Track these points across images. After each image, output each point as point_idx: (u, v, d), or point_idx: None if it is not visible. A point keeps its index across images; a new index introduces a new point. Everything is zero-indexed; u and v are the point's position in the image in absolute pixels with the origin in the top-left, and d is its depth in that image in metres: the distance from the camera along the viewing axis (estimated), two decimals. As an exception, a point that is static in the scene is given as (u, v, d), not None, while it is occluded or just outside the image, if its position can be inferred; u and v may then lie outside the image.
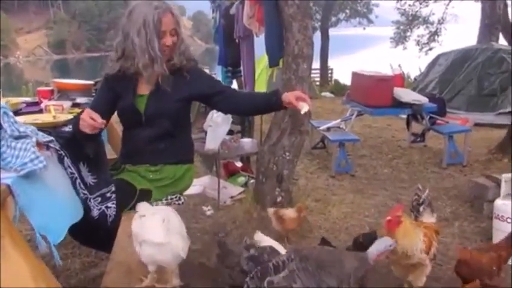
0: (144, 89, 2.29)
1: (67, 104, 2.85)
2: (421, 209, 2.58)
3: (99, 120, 2.02)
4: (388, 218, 2.33)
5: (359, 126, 7.15)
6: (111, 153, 2.74)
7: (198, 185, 4.59)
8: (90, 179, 2.24)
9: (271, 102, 2.31)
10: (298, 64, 3.68)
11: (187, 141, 2.45)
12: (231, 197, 4.22)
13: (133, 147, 2.33)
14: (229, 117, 3.93)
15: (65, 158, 2.05)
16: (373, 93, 5.29)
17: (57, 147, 1.99)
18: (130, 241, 1.63)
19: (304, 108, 2.22)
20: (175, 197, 2.34)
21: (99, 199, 2.17)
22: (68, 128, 2.31)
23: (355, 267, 1.93)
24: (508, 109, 7.34)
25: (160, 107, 2.26)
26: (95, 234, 2.12)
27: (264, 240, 2.49)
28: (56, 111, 2.61)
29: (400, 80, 5.77)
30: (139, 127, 2.29)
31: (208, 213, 3.93)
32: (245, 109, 2.49)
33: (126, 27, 2.19)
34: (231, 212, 3.90)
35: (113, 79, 2.31)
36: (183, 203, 2.36)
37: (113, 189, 2.18)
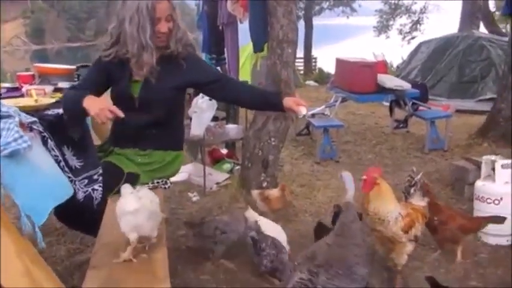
0: (140, 75, 2.27)
1: (49, 88, 2.80)
2: (411, 190, 2.63)
3: (120, 114, 2.00)
4: (364, 177, 2.38)
5: (343, 113, 7.21)
6: (95, 140, 2.73)
7: (183, 172, 4.57)
8: (75, 162, 2.22)
9: (271, 103, 2.33)
10: (283, 49, 3.68)
11: (178, 128, 2.45)
12: (217, 183, 4.23)
13: (124, 131, 2.32)
14: (214, 103, 3.92)
15: (49, 140, 2.03)
16: (357, 80, 5.33)
17: (41, 129, 1.97)
18: (116, 223, 1.62)
19: (302, 111, 2.25)
20: (162, 181, 2.34)
21: (86, 181, 2.16)
22: (51, 112, 2.28)
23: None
24: (488, 96, 7.47)
25: (155, 93, 2.25)
26: (80, 216, 2.11)
27: (254, 216, 2.58)
28: (38, 96, 2.57)
29: (383, 66, 5.82)
30: (132, 112, 2.27)
31: (194, 199, 3.93)
32: (243, 101, 2.48)
33: (121, 12, 2.16)
34: (216, 198, 3.90)
35: (108, 62, 2.28)
36: (169, 187, 2.36)
37: (100, 171, 2.17)
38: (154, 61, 2.18)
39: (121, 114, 2.00)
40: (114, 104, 2.28)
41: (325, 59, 14.87)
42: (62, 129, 2.16)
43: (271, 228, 2.66)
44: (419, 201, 2.61)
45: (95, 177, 2.17)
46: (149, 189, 2.12)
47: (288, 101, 2.26)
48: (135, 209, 1.53)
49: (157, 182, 2.32)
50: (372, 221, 2.43)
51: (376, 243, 2.77)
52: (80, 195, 2.12)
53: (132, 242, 1.50)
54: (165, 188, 2.34)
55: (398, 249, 2.47)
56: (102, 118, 1.97)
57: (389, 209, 2.39)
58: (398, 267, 2.49)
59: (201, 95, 3.86)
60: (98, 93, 2.24)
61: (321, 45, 21.42)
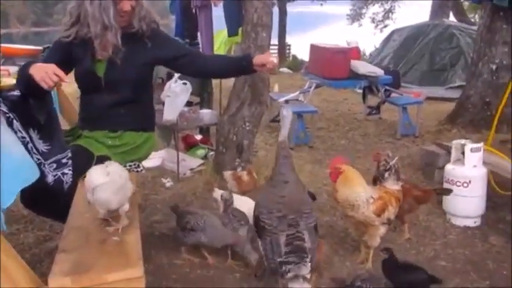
0: (104, 55, 2.20)
1: (14, 69, 2.69)
2: (386, 175, 2.65)
3: (65, 78, 1.92)
4: (328, 170, 2.47)
5: (317, 100, 7.24)
6: (64, 125, 2.64)
7: (156, 157, 4.51)
8: (42, 146, 2.14)
9: (241, 66, 2.30)
10: (257, 33, 3.64)
11: (149, 108, 2.39)
12: (191, 169, 4.18)
13: (92, 113, 2.25)
14: (188, 86, 3.85)
15: (14, 121, 1.95)
16: (331, 65, 5.35)
17: (5, 110, 1.88)
18: (87, 206, 1.58)
19: (274, 61, 2.26)
20: (134, 165, 2.29)
21: (54, 165, 2.09)
22: (16, 92, 2.18)
23: None
24: (457, 83, 7.65)
25: (121, 72, 2.18)
26: (50, 201, 2.04)
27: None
28: (2, 76, 2.46)
29: (357, 53, 5.87)
30: (99, 92, 2.21)
31: (168, 185, 3.88)
32: (213, 72, 2.45)
33: None
34: (191, 184, 3.86)
35: (69, 43, 2.20)
36: (142, 170, 2.31)
37: (69, 155, 2.10)
38: (119, 41, 2.12)
39: (65, 79, 1.93)
40: (79, 86, 2.21)
41: (299, 46, 14.89)
42: (27, 110, 2.07)
43: (242, 203, 2.66)
44: (393, 185, 2.63)
45: (64, 161, 2.10)
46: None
47: (257, 59, 2.26)
48: (102, 183, 1.49)
49: (130, 166, 2.26)
50: (343, 208, 2.48)
51: (350, 227, 2.81)
52: (50, 179, 2.05)
53: (104, 215, 1.47)
54: (137, 171, 2.29)
55: (372, 232, 2.51)
56: (48, 82, 1.88)
57: (358, 193, 2.43)
58: (371, 248, 2.53)
59: (174, 79, 3.79)
60: None
61: (295, 32, 21.41)
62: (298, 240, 2.01)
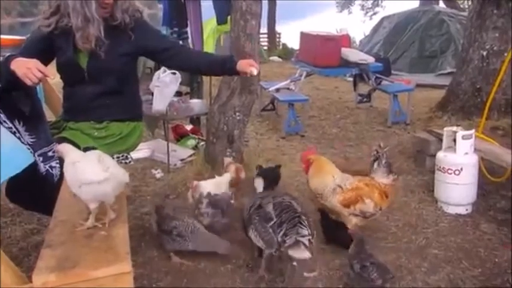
0: (86, 48, 2.13)
1: (-3, 60, 2.60)
2: (374, 165, 2.60)
3: (49, 74, 1.86)
4: (302, 164, 2.55)
5: (308, 89, 7.21)
6: (49, 116, 2.58)
7: (146, 148, 4.46)
8: (27, 138, 2.07)
9: (225, 67, 2.30)
10: (246, 21, 3.58)
11: (134, 98, 2.34)
12: (181, 160, 4.13)
13: (76, 104, 2.20)
14: (178, 76, 3.78)
15: (-1, 113, 1.89)
16: (321, 53, 5.30)
17: (-12, 102, 1.82)
18: (74, 200, 1.53)
19: (254, 71, 2.28)
20: (122, 156, 2.24)
21: (41, 158, 2.03)
22: (-1, 84, 2.11)
23: None
24: (448, 70, 7.64)
25: (104, 63, 2.13)
26: (39, 194, 1.99)
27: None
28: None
29: (347, 40, 5.81)
30: (82, 83, 2.16)
31: (158, 176, 3.84)
32: (196, 68, 2.44)
33: None
34: (181, 174, 3.82)
35: (50, 32, 2.14)
36: (130, 162, 2.26)
37: (54, 148, 2.04)
38: (102, 33, 2.06)
39: (49, 75, 1.87)
40: (61, 77, 2.16)
41: (289, 35, 14.79)
42: (11, 102, 2.01)
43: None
44: (382, 178, 2.57)
45: (50, 154, 2.04)
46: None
47: (241, 65, 2.27)
48: (101, 179, 1.44)
49: (117, 157, 2.22)
50: (314, 196, 2.53)
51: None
52: (43, 169, 2.01)
53: (94, 210, 1.43)
54: (125, 163, 2.25)
55: (344, 220, 2.52)
56: (31, 78, 1.82)
57: (326, 182, 2.45)
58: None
59: (162, 68, 3.72)
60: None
61: (284, 21, 21.27)
62: (287, 205, 2.05)
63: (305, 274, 2.23)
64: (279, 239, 1.92)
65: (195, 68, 2.58)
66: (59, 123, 2.26)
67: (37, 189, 2.01)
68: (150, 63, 4.16)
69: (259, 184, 2.96)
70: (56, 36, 2.12)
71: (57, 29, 2.10)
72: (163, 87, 3.74)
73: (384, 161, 2.59)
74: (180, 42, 6.29)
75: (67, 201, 1.63)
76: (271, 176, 3.21)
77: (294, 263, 2.11)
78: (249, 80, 3.71)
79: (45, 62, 2.15)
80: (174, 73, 3.76)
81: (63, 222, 1.50)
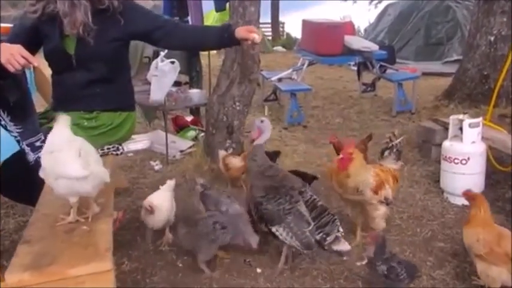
0: (73, 33, 2.03)
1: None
2: (385, 153, 2.55)
3: (33, 61, 1.77)
4: (341, 156, 2.28)
5: (311, 78, 7.08)
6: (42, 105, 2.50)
7: (145, 140, 4.38)
8: (13, 129, 2.00)
9: (223, 39, 2.14)
10: (245, 7, 3.47)
11: (126, 87, 2.24)
12: (181, 151, 4.05)
13: (65, 93, 2.11)
14: (176, 65, 3.68)
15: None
16: (324, 41, 5.17)
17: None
18: (55, 196, 1.45)
19: (256, 37, 2.08)
20: (113, 147, 2.15)
21: (29, 148, 1.96)
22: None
23: None
24: (454, 58, 7.47)
25: (92, 49, 2.03)
26: (30, 186, 1.91)
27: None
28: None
29: (351, 28, 5.67)
30: (71, 71, 2.07)
31: (157, 168, 3.76)
32: (193, 44, 2.28)
33: None
34: (180, 166, 3.74)
35: (36, 18, 2.05)
36: (121, 153, 2.17)
37: (42, 138, 1.97)
38: (89, 18, 1.96)
39: (34, 62, 1.78)
40: (49, 64, 2.06)
41: (293, 24, 14.62)
42: (-4, 91, 1.93)
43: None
44: (391, 164, 2.53)
45: (37, 144, 1.97)
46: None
47: (240, 32, 2.11)
48: (80, 176, 1.36)
49: (108, 148, 2.13)
50: (346, 191, 2.35)
51: (347, 210, 2.70)
52: (31, 158, 1.93)
53: (74, 204, 1.34)
54: (117, 154, 2.16)
55: (372, 213, 2.39)
56: (14, 64, 1.73)
57: (366, 178, 2.32)
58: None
59: (160, 57, 3.62)
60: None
61: (288, 10, 21.02)
62: (315, 203, 2.13)
63: (357, 263, 2.26)
64: (318, 238, 2.04)
65: (191, 45, 2.41)
66: (49, 113, 2.17)
67: (28, 181, 1.93)
68: (148, 53, 4.07)
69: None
70: (42, 23, 2.04)
71: (43, 15, 2.01)
72: (162, 76, 3.64)
73: (395, 149, 2.54)
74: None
75: (51, 195, 1.55)
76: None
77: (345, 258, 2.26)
78: (248, 69, 3.61)
79: (33, 50, 2.06)
80: (173, 62, 3.66)
81: (45, 216, 1.42)
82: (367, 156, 2.88)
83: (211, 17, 8.50)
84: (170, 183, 2.43)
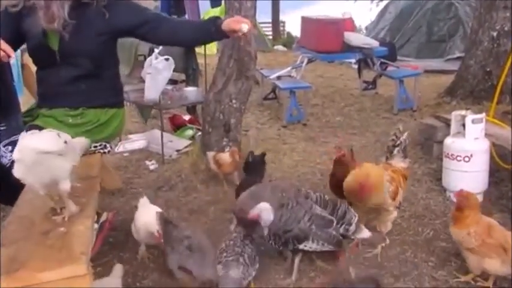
0: (52, 28, 1.96)
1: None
2: (395, 151, 2.44)
3: (11, 53, 1.70)
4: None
5: (311, 77, 6.99)
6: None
7: (142, 139, 4.31)
8: (-4, 126, 1.93)
9: (210, 32, 2.04)
10: (241, 3, 3.39)
11: (113, 83, 2.16)
12: (177, 151, 3.97)
13: (50, 89, 2.04)
14: (171, 62, 3.59)
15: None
16: (323, 38, 5.08)
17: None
18: (36, 195, 1.36)
19: (244, 28, 1.97)
20: (100, 145, 2.07)
21: (10, 147, 1.88)
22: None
23: None
24: (456, 55, 7.36)
25: (76, 44, 1.96)
26: (10, 187, 1.84)
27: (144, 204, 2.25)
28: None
29: (351, 24, 5.57)
30: (55, 67, 1.99)
31: (152, 167, 3.68)
32: (181, 39, 2.17)
33: None
34: (176, 166, 3.67)
35: (18, 13, 1.98)
36: (109, 151, 2.09)
37: None
38: (66, 13, 1.88)
39: (11, 54, 1.71)
40: (33, 61, 1.99)
41: (294, 23, 14.53)
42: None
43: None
44: (399, 163, 2.43)
45: (19, 142, 1.88)
46: (84, 154, 1.88)
47: (228, 23, 2.01)
48: (59, 149, 1.27)
49: (95, 147, 2.04)
50: (365, 205, 2.22)
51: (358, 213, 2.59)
52: (5, 160, 1.84)
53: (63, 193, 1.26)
54: (104, 152, 2.07)
55: (384, 217, 2.29)
56: None
57: (385, 191, 2.19)
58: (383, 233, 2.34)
59: (154, 54, 3.54)
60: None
61: (289, 9, 20.92)
62: (324, 197, 2.08)
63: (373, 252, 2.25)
64: (342, 232, 2.01)
65: (179, 39, 2.27)
66: (33, 111, 2.09)
67: (7, 182, 1.85)
68: (143, 50, 3.99)
69: None
70: (25, 17, 1.97)
71: (25, 9, 1.94)
72: (156, 74, 3.56)
73: (403, 146, 2.45)
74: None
75: (30, 196, 1.47)
76: (256, 165, 2.97)
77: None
78: (245, 66, 3.53)
79: (15, 45, 1.99)
80: (167, 59, 3.58)
81: (21, 219, 1.34)
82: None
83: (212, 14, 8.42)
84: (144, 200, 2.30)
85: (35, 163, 1.23)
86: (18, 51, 2.83)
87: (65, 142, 1.35)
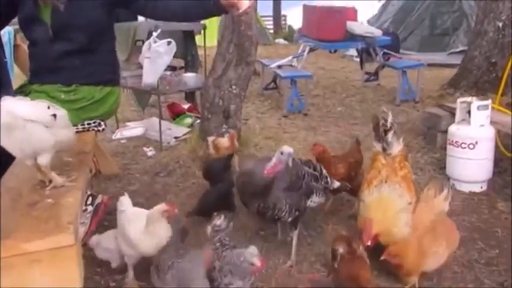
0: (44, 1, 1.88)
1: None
2: (389, 137, 2.14)
3: None
4: (367, 244, 1.87)
5: (312, 68, 6.91)
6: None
7: (139, 127, 4.24)
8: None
9: (208, 5, 1.94)
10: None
11: (108, 59, 2.07)
12: (175, 138, 3.91)
13: (42, 64, 1.95)
14: (173, 46, 3.49)
15: None
16: (325, 26, 4.99)
17: None
18: (25, 168, 1.30)
19: (244, 4, 1.86)
20: (94, 123, 1.99)
21: None
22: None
23: None
24: (460, 48, 7.28)
25: (69, 17, 1.87)
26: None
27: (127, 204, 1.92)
28: None
29: (353, 14, 5.49)
30: (47, 41, 1.90)
31: (150, 153, 3.61)
32: (179, 13, 2.05)
33: None
34: (174, 152, 3.60)
35: None
36: (103, 129, 2.01)
37: None
38: None
39: None
40: (25, 34, 1.91)
41: (295, 17, 14.42)
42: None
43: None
44: (398, 147, 2.18)
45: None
46: (78, 131, 1.81)
47: None
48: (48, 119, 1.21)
49: (89, 124, 1.97)
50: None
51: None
52: None
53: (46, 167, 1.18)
54: (98, 130, 2.00)
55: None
56: None
57: (398, 217, 1.95)
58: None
59: (152, 38, 3.46)
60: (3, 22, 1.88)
61: (290, 3, 20.80)
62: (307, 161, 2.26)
63: None
64: (324, 185, 2.19)
65: (177, 14, 2.15)
66: (25, 87, 2.01)
67: None
68: (141, 35, 3.90)
69: None
70: None
71: None
72: (156, 57, 3.46)
73: (395, 128, 2.18)
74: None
75: (19, 168, 1.40)
76: (218, 168, 2.71)
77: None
78: (245, 51, 3.46)
79: (7, 16, 1.92)
80: (169, 42, 3.48)
81: (8, 190, 1.27)
82: (361, 164, 2.58)
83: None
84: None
85: (16, 129, 1.15)
86: (12, 30, 2.77)
87: (54, 115, 1.28)
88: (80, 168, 1.42)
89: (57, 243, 0.99)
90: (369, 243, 1.84)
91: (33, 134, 1.18)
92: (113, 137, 4.05)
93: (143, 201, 2.70)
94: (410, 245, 1.84)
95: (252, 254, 1.56)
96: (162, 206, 1.72)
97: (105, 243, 1.85)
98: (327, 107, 5.09)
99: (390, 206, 1.96)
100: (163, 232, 1.68)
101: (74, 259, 1.01)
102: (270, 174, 1.85)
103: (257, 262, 1.54)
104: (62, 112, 1.31)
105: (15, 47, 2.67)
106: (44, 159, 1.20)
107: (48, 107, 1.26)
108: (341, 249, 1.77)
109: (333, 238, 1.96)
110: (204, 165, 2.87)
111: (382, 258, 1.81)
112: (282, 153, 1.86)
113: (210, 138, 3.10)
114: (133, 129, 4.15)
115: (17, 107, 1.17)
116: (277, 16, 15.89)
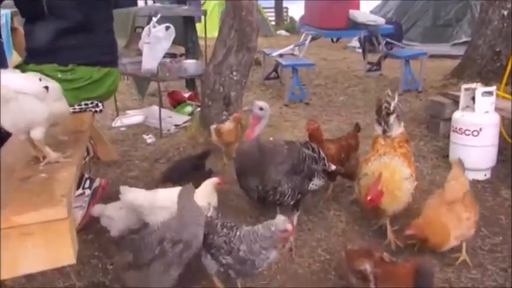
0: None
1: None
2: (391, 120, 2.18)
3: None
4: (368, 197, 1.91)
5: (314, 59, 6.83)
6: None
7: (139, 114, 4.20)
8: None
9: None
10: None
11: (106, 39, 2.03)
12: (176, 126, 3.87)
13: (38, 44, 1.91)
14: (171, 31, 3.45)
15: None
16: (328, 15, 4.93)
17: None
18: (20, 144, 1.26)
19: None
20: (92, 103, 1.95)
21: None
22: None
23: None
24: (463, 39, 7.21)
25: None
26: None
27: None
28: None
29: (356, 3, 5.42)
30: (43, 19, 1.86)
31: (149, 141, 3.58)
32: None
33: None
34: (174, 139, 3.56)
35: None
36: (101, 110, 1.97)
37: None
38: None
39: None
40: (20, 12, 1.86)
41: (297, 9, 14.32)
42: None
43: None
44: (398, 129, 2.22)
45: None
46: (75, 112, 1.78)
47: None
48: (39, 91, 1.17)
49: (86, 104, 1.93)
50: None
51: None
52: None
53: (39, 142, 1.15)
54: (96, 111, 1.96)
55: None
56: None
57: (405, 195, 2.00)
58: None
59: (152, 23, 3.41)
60: None
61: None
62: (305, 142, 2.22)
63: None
64: (322, 167, 2.16)
65: None
66: (21, 67, 1.97)
67: None
68: (141, 22, 3.85)
69: None
70: None
71: None
72: (155, 43, 3.42)
73: (398, 111, 2.22)
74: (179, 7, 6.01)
75: (14, 146, 1.37)
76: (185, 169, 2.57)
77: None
78: (246, 36, 3.41)
79: None
80: (168, 27, 3.44)
81: (1, 166, 1.23)
82: (358, 149, 2.59)
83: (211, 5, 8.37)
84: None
85: (8, 101, 1.11)
86: (9, 12, 2.72)
87: (46, 87, 1.24)
88: (76, 145, 1.39)
89: (50, 216, 0.96)
90: (370, 197, 1.87)
91: (25, 106, 1.14)
92: (113, 125, 4.02)
93: (142, 187, 2.65)
94: (439, 215, 1.84)
95: (284, 220, 1.54)
96: (215, 179, 1.88)
97: (109, 212, 1.95)
98: (328, 97, 5.04)
99: (396, 171, 2.00)
100: (215, 203, 1.82)
101: (67, 233, 0.97)
102: (251, 134, 1.86)
103: (290, 227, 1.54)
104: (54, 84, 1.27)
105: (12, 30, 2.62)
106: (37, 133, 1.17)
107: (40, 79, 1.22)
108: (368, 267, 1.58)
109: (346, 255, 1.73)
110: (168, 167, 2.66)
111: (407, 233, 1.79)
112: (261, 109, 1.87)
113: (212, 126, 3.05)
114: (133, 117, 4.12)
115: (8, 79, 1.13)
116: (278, 8, 15.79)
